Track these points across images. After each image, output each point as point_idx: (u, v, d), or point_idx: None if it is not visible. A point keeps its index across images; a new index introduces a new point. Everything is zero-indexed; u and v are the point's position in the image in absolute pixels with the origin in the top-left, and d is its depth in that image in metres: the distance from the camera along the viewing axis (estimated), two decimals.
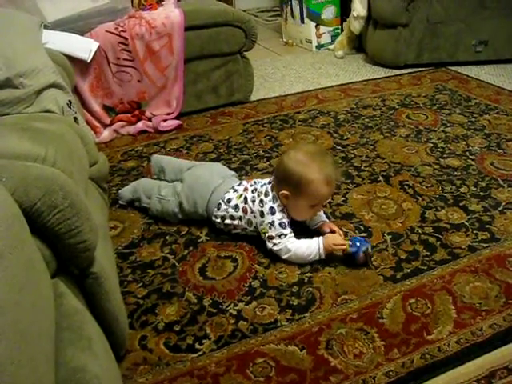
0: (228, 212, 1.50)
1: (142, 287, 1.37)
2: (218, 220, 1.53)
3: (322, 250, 1.40)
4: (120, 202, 1.73)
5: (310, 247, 1.41)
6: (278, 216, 1.42)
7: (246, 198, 1.49)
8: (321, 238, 1.42)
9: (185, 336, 1.21)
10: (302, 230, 1.52)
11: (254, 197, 1.48)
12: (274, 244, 1.43)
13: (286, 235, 1.42)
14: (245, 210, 1.48)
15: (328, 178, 1.37)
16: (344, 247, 1.39)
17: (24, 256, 0.65)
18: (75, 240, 0.85)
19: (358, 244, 1.38)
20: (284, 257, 1.42)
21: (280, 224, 1.42)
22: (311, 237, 1.44)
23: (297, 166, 1.37)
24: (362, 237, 1.49)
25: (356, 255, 1.38)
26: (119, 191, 1.75)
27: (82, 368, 0.74)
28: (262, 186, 1.49)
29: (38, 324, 0.62)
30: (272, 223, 1.42)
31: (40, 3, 2.07)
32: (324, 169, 1.36)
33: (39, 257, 0.75)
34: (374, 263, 1.41)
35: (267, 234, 1.44)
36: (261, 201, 1.46)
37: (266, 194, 1.46)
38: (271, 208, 1.43)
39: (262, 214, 1.44)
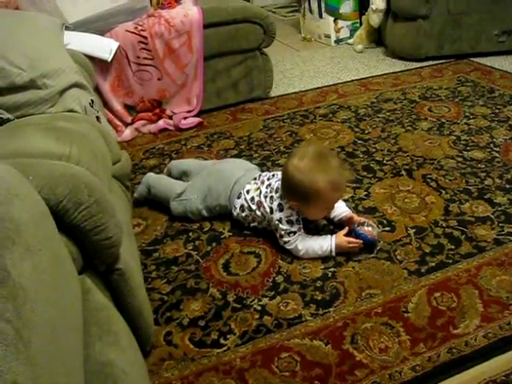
0: (246, 202, 1.51)
1: (166, 283, 1.38)
2: (238, 210, 1.54)
3: (333, 249, 1.40)
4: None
5: (323, 247, 1.40)
6: (286, 213, 1.42)
7: (260, 191, 1.50)
8: (334, 236, 1.42)
9: (209, 331, 1.22)
10: (325, 225, 1.52)
11: (267, 192, 1.48)
12: (285, 242, 1.43)
13: (294, 233, 1.42)
14: (259, 204, 1.49)
15: (335, 183, 1.35)
16: (360, 245, 1.40)
17: (52, 253, 0.66)
18: (101, 236, 0.86)
19: (361, 232, 1.40)
20: (297, 255, 1.43)
21: (288, 221, 1.42)
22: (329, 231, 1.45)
23: (302, 178, 1.34)
24: (382, 230, 1.49)
25: (368, 240, 1.40)
26: (134, 195, 1.73)
27: (109, 362, 0.75)
28: (276, 181, 1.49)
29: (67, 319, 0.63)
30: (280, 220, 1.42)
31: (61, 5, 2.09)
32: (329, 175, 1.34)
33: (66, 253, 0.76)
34: (398, 257, 1.40)
35: (277, 232, 1.45)
36: (271, 197, 1.46)
37: (277, 191, 1.46)
38: (279, 204, 1.43)
39: (271, 211, 1.45)
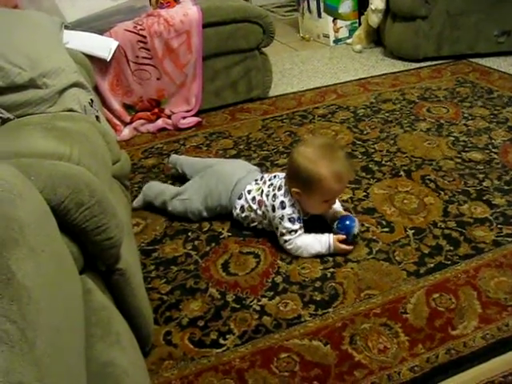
0: (247, 203, 1.52)
1: (165, 283, 1.38)
2: (238, 211, 1.54)
3: (332, 247, 1.41)
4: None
5: (321, 242, 1.42)
6: (288, 211, 1.43)
7: (262, 190, 1.50)
8: (331, 235, 1.42)
9: (209, 331, 1.22)
10: (321, 224, 1.52)
11: (268, 191, 1.49)
12: (285, 241, 1.43)
13: (295, 231, 1.42)
14: (260, 203, 1.49)
15: (338, 174, 1.36)
16: (350, 250, 1.43)
17: (54, 253, 0.66)
18: (102, 237, 0.86)
19: (347, 224, 1.43)
20: (295, 254, 1.43)
21: (289, 219, 1.42)
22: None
23: (306, 163, 1.36)
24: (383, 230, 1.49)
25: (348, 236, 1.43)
26: (133, 204, 1.70)
27: (111, 362, 0.75)
28: (278, 180, 1.50)
29: (69, 319, 0.63)
30: (282, 218, 1.43)
31: (60, 4, 2.09)
32: (333, 165, 1.35)
33: (68, 254, 0.76)
34: (397, 258, 1.41)
35: (278, 230, 1.45)
36: (274, 195, 1.46)
37: (280, 188, 1.46)
38: (282, 202, 1.44)
39: (273, 208, 1.45)
